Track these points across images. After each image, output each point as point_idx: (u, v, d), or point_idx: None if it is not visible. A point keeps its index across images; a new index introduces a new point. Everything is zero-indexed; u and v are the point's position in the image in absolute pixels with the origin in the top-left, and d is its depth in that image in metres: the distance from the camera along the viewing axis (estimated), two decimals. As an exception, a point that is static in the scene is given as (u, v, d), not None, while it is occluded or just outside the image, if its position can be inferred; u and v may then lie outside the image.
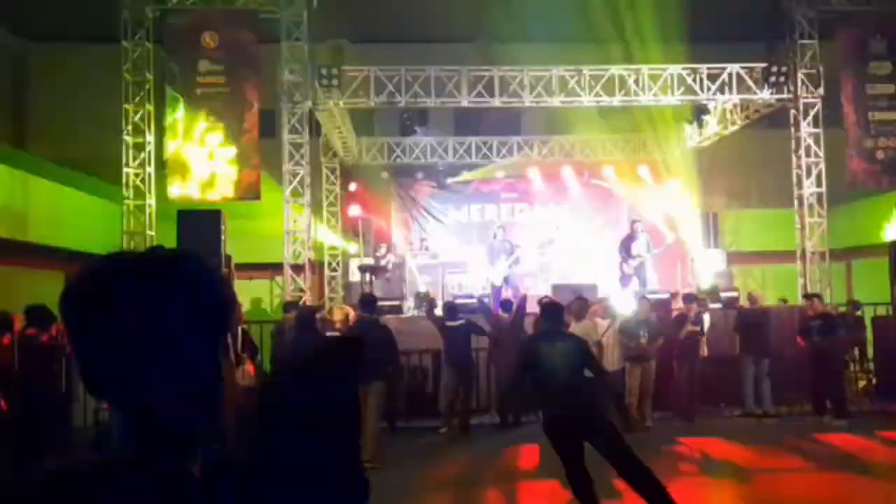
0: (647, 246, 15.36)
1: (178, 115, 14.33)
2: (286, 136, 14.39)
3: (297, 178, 14.38)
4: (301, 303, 13.19)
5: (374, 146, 19.60)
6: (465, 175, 19.49)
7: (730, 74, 14.97)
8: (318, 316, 9.81)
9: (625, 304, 13.14)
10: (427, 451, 10.38)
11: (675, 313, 12.66)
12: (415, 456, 10.02)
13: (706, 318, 12.37)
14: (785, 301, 14.37)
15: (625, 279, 15.40)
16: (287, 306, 12.10)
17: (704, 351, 12.19)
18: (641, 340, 11.53)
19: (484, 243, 16.70)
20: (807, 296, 13.26)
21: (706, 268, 17.28)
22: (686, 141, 18.80)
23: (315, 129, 15.80)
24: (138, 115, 14.42)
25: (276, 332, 11.62)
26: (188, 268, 1.19)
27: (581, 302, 11.04)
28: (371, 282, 15.32)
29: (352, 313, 10.06)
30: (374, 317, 9.71)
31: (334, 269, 18.87)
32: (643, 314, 11.84)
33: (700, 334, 12.13)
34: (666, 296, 13.64)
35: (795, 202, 15.31)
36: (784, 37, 15.42)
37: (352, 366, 1.21)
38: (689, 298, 12.49)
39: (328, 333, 9.80)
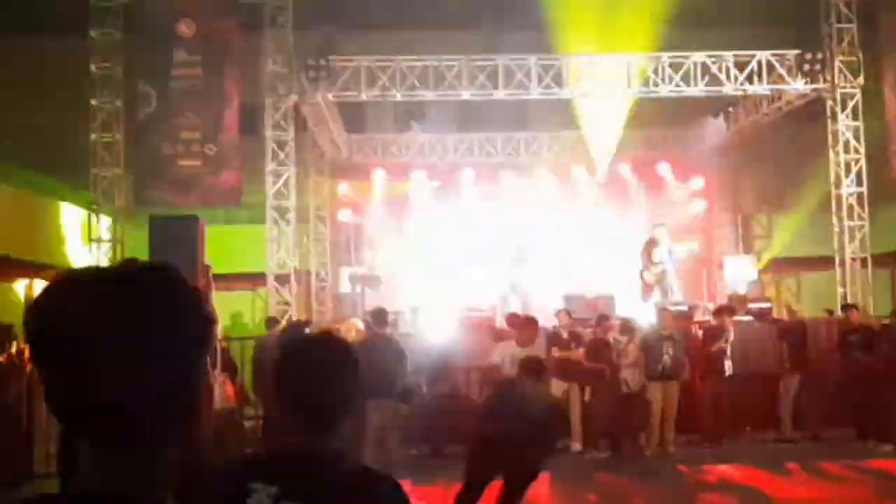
0: (670, 252, 15.37)
1: (150, 111, 14.38)
2: (269, 134, 14.44)
3: (282, 180, 14.42)
4: (286, 317, 13.21)
5: (367, 144, 19.66)
6: None
7: (759, 62, 15.01)
8: (308, 331, 9.84)
9: (646, 316, 13.13)
10: (422, 473, 10.38)
11: (697, 327, 12.66)
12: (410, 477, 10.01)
13: (730, 331, 12.31)
14: (831, 312, 14.31)
15: (646, 289, 15.41)
16: (270, 322, 12.14)
17: (729, 368, 12.13)
18: (665, 357, 11.47)
19: (488, 248, 16.74)
20: (845, 307, 13.26)
21: (735, 276, 17.28)
22: (711, 136, 18.85)
23: (301, 125, 15.86)
24: (107, 112, 14.47)
25: (257, 348, 11.65)
26: (163, 283, 1.21)
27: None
28: (363, 293, 15.35)
29: (361, 326, 10.11)
30: (387, 332, 9.83)
31: (323, 280, 18.90)
32: (666, 328, 11.79)
33: (727, 350, 12.08)
34: (685, 308, 13.64)
35: (833, 203, 15.32)
36: (819, 20, 15.45)
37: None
38: (725, 311, 12.41)
39: None
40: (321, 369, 2.20)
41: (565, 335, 11.65)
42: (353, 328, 10.00)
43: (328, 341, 2.42)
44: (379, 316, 9.94)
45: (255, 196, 14.99)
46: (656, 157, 19.54)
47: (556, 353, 11.27)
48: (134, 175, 14.85)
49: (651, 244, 15.41)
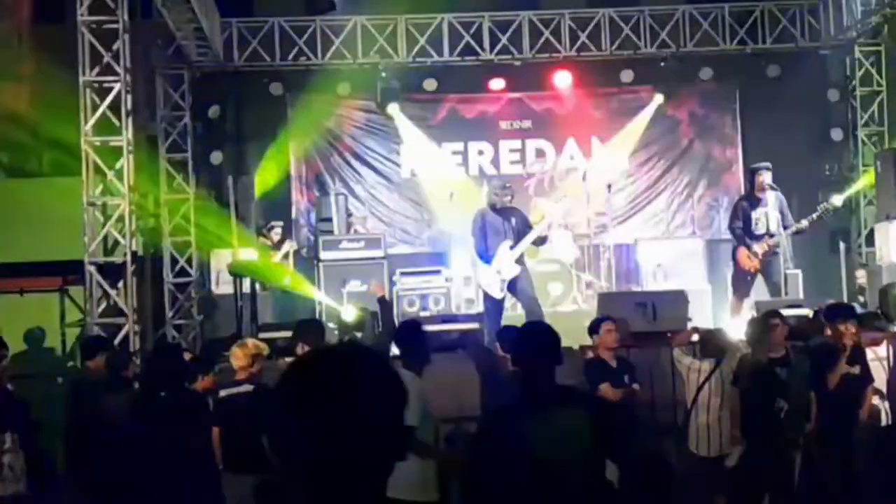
0: (783, 213, 15.37)
1: None
2: (84, 19, 14.26)
3: (109, 98, 14.23)
4: (118, 340, 13.14)
5: (255, 37, 19.57)
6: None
7: None
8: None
9: (739, 326, 13.17)
10: None
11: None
12: None
13: (882, 350, 12.29)
14: None
15: (741, 277, 15.44)
16: (89, 345, 12.04)
17: (886, 414, 12.12)
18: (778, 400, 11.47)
19: (468, 217, 16.72)
20: None
21: (891, 253, 17.37)
22: (846, 16, 18.91)
23: (141, 5, 15.72)
24: None
25: (70, 391, 11.59)
26: None
27: None
28: (255, 295, 15.31)
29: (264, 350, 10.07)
30: None
31: (183, 273, 18.80)
32: (776, 346, 11.79)
33: (866, 382, 11.98)
34: (807, 311, 13.66)
35: None
36: None
37: None
38: (840, 313, 12.36)
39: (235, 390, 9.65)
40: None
41: (613, 363, 11.69)
42: (258, 353, 9.87)
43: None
44: (312, 331, 9.99)
45: (61, 128, 14.84)
46: (755, 51, 19.61)
47: (607, 391, 11.29)
48: None
49: (749, 200, 15.43)
